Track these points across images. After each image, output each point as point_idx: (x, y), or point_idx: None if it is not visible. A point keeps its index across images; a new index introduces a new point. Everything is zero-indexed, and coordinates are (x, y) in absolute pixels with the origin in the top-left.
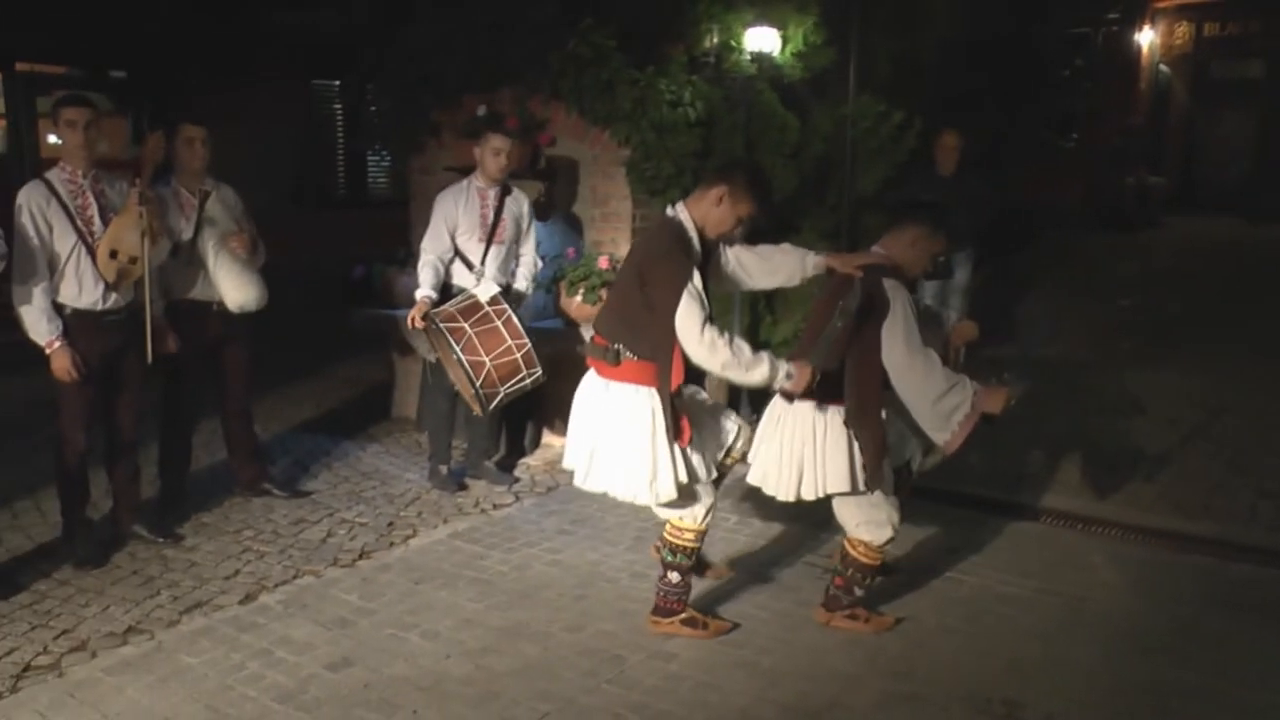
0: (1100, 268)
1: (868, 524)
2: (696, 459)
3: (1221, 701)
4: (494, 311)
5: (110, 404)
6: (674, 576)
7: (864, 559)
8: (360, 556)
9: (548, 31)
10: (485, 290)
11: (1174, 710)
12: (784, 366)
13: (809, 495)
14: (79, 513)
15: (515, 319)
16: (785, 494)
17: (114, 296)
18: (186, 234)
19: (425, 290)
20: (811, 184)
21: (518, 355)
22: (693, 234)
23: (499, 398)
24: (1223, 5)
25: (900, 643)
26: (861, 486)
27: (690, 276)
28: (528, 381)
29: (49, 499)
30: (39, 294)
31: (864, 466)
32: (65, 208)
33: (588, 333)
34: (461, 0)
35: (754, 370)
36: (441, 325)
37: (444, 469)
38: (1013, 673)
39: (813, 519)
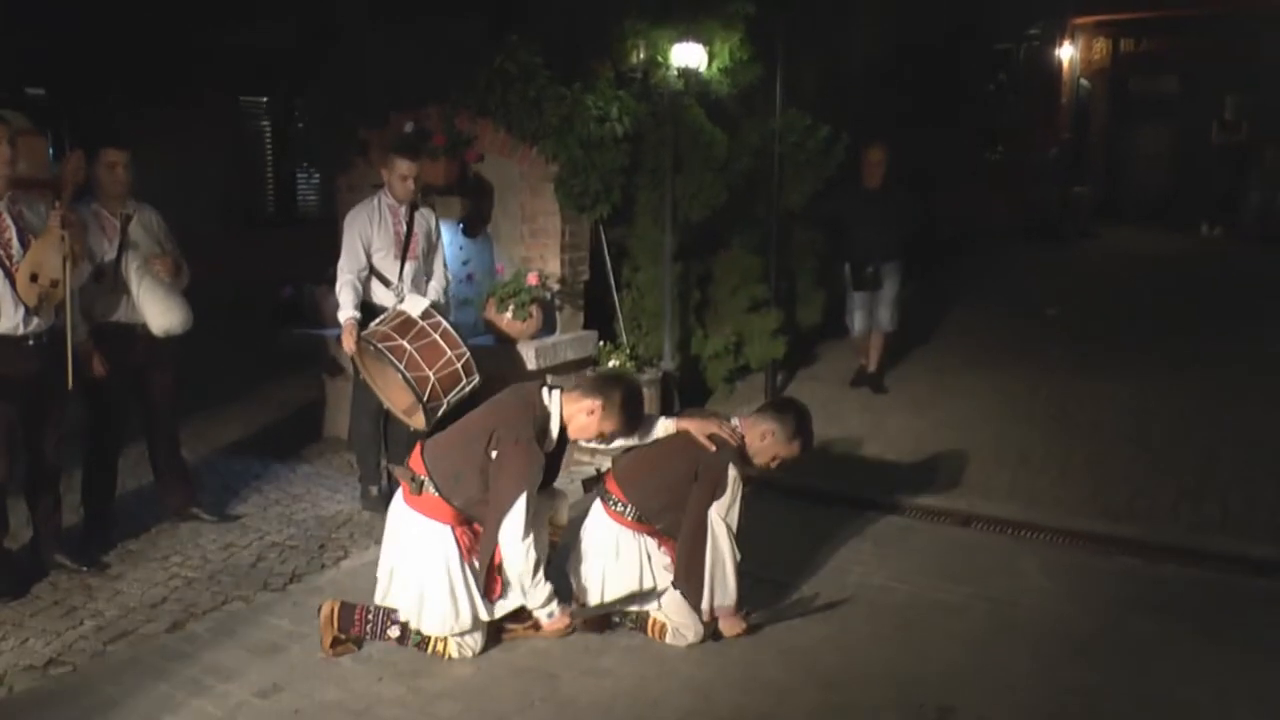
0: (1027, 278)
1: (676, 629)
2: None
3: (1146, 701)
4: (429, 325)
5: (31, 430)
6: (393, 631)
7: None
8: (291, 580)
9: (474, 49)
10: (415, 305)
11: (1104, 712)
12: (553, 606)
13: (594, 600)
14: None
15: (450, 329)
16: (589, 599)
17: (35, 321)
18: (109, 257)
19: (350, 311)
20: (740, 198)
21: (458, 365)
22: (555, 427)
23: (443, 408)
24: (1138, 23)
25: (834, 652)
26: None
27: (534, 484)
28: (467, 389)
29: None
30: None
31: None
32: None
33: (526, 351)
34: (388, 18)
35: (533, 593)
36: (380, 346)
37: (374, 490)
38: (946, 679)
39: (757, 540)
